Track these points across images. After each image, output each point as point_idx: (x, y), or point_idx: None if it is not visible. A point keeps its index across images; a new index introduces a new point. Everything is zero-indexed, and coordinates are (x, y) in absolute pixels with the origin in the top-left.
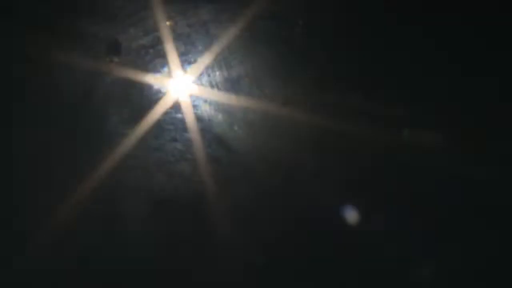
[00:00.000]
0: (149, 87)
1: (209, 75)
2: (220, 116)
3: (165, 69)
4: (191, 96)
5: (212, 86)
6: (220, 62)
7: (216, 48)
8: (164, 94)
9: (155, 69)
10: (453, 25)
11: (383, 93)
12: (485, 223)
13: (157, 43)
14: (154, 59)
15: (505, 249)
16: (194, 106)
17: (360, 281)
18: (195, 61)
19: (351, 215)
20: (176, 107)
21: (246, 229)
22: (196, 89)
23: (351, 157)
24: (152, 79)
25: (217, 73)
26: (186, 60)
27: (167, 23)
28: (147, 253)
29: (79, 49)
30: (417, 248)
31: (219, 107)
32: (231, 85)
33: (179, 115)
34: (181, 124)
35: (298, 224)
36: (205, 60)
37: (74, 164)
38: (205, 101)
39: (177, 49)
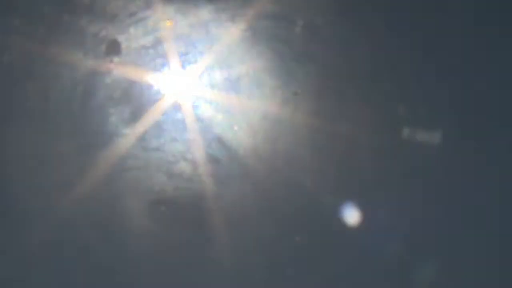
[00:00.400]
0: (149, 87)
1: (209, 75)
2: (220, 116)
3: (165, 69)
4: (191, 96)
5: (212, 86)
6: (220, 62)
7: (216, 48)
8: (164, 94)
9: (155, 69)
10: (454, 25)
11: (383, 92)
12: (484, 223)
13: (157, 43)
14: (154, 59)
15: (505, 247)
16: (194, 106)
17: (360, 281)
18: (195, 61)
19: (351, 215)
20: (176, 107)
21: (246, 229)
22: (196, 89)
23: (351, 157)
24: (152, 79)
25: (217, 73)
26: (186, 60)
27: (167, 23)
28: (147, 253)
29: (79, 49)
30: (417, 247)
31: (219, 107)
32: (231, 85)
33: (179, 115)
34: (181, 124)
35: (298, 224)
36: (205, 60)
37: (74, 163)
38: (205, 101)
39: (177, 49)
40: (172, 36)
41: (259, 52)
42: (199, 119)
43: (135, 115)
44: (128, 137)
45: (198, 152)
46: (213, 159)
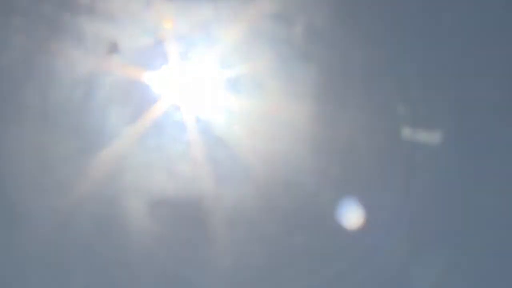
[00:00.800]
0: (149, 87)
1: (209, 75)
2: (220, 116)
3: (165, 69)
4: (191, 96)
5: (212, 86)
6: (220, 62)
7: (216, 48)
8: (164, 94)
9: (155, 69)
10: (454, 24)
11: (383, 93)
12: (485, 223)
13: (157, 43)
14: (154, 59)
15: (506, 248)
16: (194, 106)
17: (360, 280)
18: (195, 61)
19: (351, 215)
20: (176, 107)
21: (246, 229)
22: (196, 89)
23: (351, 157)
24: (152, 79)
25: (217, 73)
26: (186, 60)
27: (167, 23)
28: (147, 253)
29: (79, 49)
30: (417, 247)
31: (219, 107)
32: (231, 85)
33: (179, 115)
34: (181, 124)
35: (298, 224)
36: (205, 60)
37: (73, 163)
38: (205, 101)
39: (177, 49)
40: (172, 36)
41: (259, 52)
42: (199, 119)
43: (135, 115)
44: (128, 137)
45: (198, 152)
46: (213, 159)
